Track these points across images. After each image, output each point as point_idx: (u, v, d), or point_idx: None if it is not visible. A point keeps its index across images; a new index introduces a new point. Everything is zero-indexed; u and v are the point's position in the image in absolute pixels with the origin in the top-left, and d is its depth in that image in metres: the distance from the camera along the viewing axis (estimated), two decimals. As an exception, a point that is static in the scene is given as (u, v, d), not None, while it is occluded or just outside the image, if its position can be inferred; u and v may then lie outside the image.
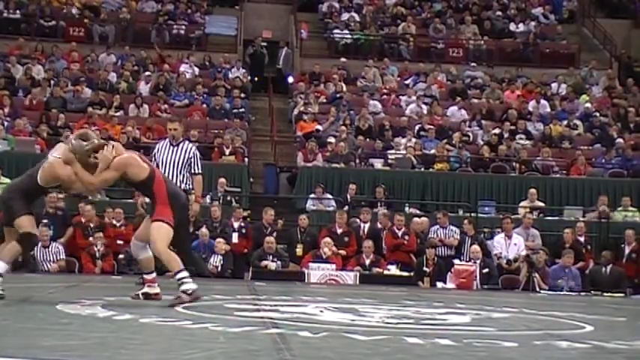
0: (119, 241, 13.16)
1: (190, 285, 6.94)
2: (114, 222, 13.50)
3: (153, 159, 9.42)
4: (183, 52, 21.39)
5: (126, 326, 5.61)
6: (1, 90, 18.44)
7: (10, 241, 7.04)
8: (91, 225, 13.24)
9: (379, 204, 15.45)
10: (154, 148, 9.87)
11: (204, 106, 18.98)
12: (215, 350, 4.62)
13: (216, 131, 17.87)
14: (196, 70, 20.75)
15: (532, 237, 14.19)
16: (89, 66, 20.27)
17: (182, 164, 9.32)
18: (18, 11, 22.03)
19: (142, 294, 7.33)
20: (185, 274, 6.97)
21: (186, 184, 9.34)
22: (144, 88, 19.44)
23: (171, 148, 9.43)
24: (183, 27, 22.56)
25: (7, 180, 14.72)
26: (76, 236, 13.23)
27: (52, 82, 19.10)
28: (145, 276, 7.44)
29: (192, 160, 9.46)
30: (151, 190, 7.04)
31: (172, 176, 9.15)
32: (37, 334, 5.01)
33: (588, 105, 19.98)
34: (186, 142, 9.81)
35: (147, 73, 19.92)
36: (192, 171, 9.45)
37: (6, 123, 16.93)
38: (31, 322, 5.60)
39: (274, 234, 13.56)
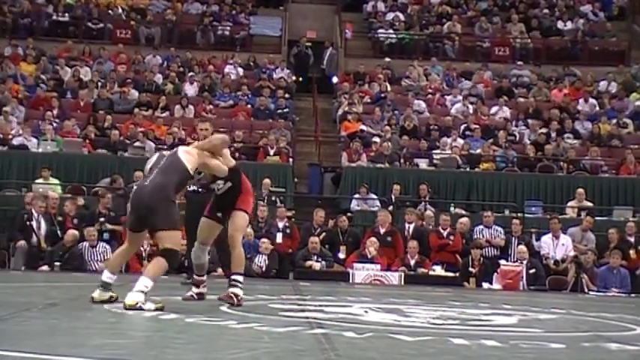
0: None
1: (241, 291, 7.10)
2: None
3: None
4: (228, 53, 21.52)
5: (171, 326, 5.65)
6: (50, 92, 18.75)
7: (129, 246, 6.85)
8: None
9: (424, 203, 15.36)
10: None
11: (249, 106, 19.08)
12: (260, 350, 4.62)
13: (260, 132, 17.95)
14: (241, 70, 20.85)
15: (586, 240, 13.97)
16: (135, 67, 20.50)
17: None
18: (66, 14, 22.37)
19: (197, 294, 7.49)
20: (242, 278, 7.15)
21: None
22: (189, 89, 19.61)
23: None
24: (228, 28, 22.69)
25: (56, 180, 15.03)
26: (123, 235, 13.35)
27: (99, 83, 19.36)
28: (198, 277, 7.55)
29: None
30: (239, 178, 7.21)
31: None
32: (86, 333, 5.07)
33: (639, 103, 19.65)
34: None
35: (191, 73, 20.08)
36: None
37: (55, 124, 17.19)
38: (79, 322, 5.67)
39: (322, 235, 13.57)
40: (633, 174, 16.74)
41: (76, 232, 12.87)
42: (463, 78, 20.85)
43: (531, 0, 24.25)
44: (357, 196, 15.61)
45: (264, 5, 24.26)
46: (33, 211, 13.14)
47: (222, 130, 17.79)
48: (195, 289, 7.57)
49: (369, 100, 19.66)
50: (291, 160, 17.21)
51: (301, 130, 19.92)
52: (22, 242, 12.92)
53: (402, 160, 17.04)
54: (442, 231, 13.77)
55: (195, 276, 7.66)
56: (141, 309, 6.23)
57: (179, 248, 6.72)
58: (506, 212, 15.27)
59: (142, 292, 6.38)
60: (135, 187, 6.98)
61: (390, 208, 14.85)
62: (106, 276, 6.80)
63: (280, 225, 13.80)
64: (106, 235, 13.18)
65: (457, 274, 13.15)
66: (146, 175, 6.92)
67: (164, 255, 6.59)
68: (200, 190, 8.91)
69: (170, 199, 6.65)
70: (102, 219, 13.27)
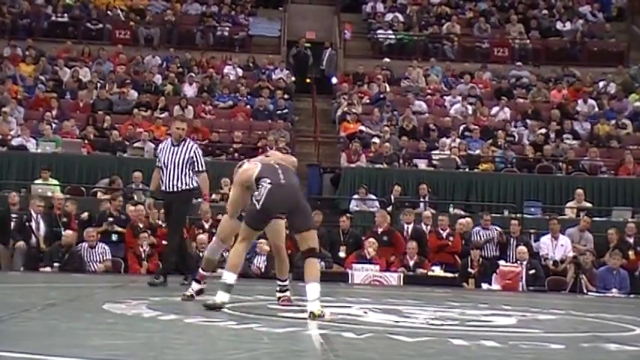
0: (165, 242, 13.25)
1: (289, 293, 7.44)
2: (159, 222, 13.60)
3: (158, 161, 9.51)
4: (227, 54, 21.52)
5: (171, 326, 5.65)
6: (49, 92, 18.75)
7: (247, 243, 6.83)
8: (141, 225, 13.36)
9: (423, 204, 15.36)
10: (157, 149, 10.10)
11: (248, 107, 19.08)
12: (259, 351, 4.63)
13: (260, 132, 17.96)
14: (240, 71, 20.86)
15: (585, 240, 13.96)
16: (135, 68, 20.50)
17: (184, 163, 9.34)
18: (66, 15, 22.37)
19: (196, 292, 7.55)
20: (287, 282, 7.48)
21: (191, 183, 9.42)
22: (188, 89, 19.62)
23: (173, 148, 9.50)
24: (227, 28, 22.70)
25: (55, 181, 15.02)
26: (126, 236, 13.36)
27: (98, 84, 19.36)
28: (203, 272, 7.62)
29: (195, 157, 9.40)
30: None
31: (176, 176, 9.29)
32: (84, 334, 5.07)
33: (638, 104, 19.67)
34: (188, 140, 9.78)
35: (190, 74, 20.09)
36: (196, 169, 9.43)
37: (54, 125, 17.19)
38: (78, 322, 5.66)
39: (322, 236, 13.56)
40: (632, 174, 16.76)
41: (74, 233, 12.85)
42: (462, 79, 20.86)
43: (530, 1, 24.27)
44: (356, 196, 15.61)
45: (264, 6, 24.26)
46: (32, 211, 13.12)
47: (221, 130, 17.89)
48: (196, 286, 7.60)
49: (368, 101, 19.67)
50: (290, 160, 17.19)
51: (300, 130, 19.93)
52: (21, 243, 12.90)
53: (401, 161, 17.05)
54: (441, 232, 13.77)
55: (200, 270, 7.68)
56: (322, 315, 6.31)
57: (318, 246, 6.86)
58: (506, 213, 15.27)
59: (319, 298, 6.48)
60: (270, 187, 6.61)
61: (390, 208, 14.85)
62: (230, 277, 6.69)
63: (280, 226, 13.78)
64: (114, 237, 13.18)
65: (456, 275, 13.14)
66: (248, 185, 6.82)
67: (314, 254, 6.69)
68: (174, 190, 9.18)
69: (306, 200, 6.82)
70: (110, 219, 13.26)
